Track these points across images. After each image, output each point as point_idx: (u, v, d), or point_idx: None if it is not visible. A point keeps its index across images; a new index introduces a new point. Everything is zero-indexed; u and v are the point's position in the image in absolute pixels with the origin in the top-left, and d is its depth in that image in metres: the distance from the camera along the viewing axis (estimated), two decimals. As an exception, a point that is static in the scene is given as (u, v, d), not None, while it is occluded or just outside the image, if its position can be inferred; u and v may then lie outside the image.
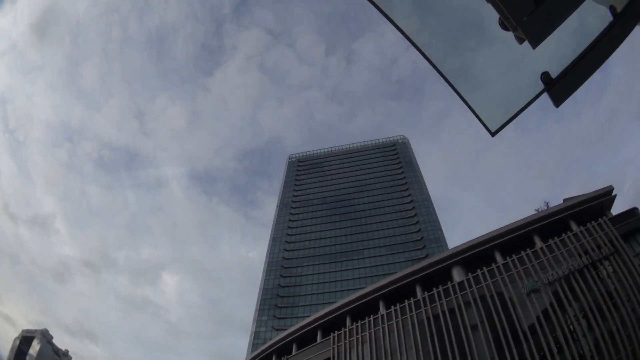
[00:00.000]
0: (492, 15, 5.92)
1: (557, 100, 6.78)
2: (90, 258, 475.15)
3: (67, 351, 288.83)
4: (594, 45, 6.93)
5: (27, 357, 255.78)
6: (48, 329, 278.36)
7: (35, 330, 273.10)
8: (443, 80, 6.27)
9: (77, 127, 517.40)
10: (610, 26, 6.91)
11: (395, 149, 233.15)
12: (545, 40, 6.26)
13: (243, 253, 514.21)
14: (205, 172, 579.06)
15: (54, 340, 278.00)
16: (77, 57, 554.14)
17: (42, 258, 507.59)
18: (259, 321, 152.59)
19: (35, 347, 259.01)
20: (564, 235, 78.04)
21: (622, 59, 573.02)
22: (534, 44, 5.91)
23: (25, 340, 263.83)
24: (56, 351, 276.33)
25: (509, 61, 7.03)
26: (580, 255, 74.25)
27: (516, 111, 6.70)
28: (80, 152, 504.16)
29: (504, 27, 6.04)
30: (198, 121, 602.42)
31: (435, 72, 6.20)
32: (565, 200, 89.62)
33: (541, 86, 6.63)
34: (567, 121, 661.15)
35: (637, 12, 7.33)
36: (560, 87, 6.75)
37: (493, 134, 6.65)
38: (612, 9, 6.81)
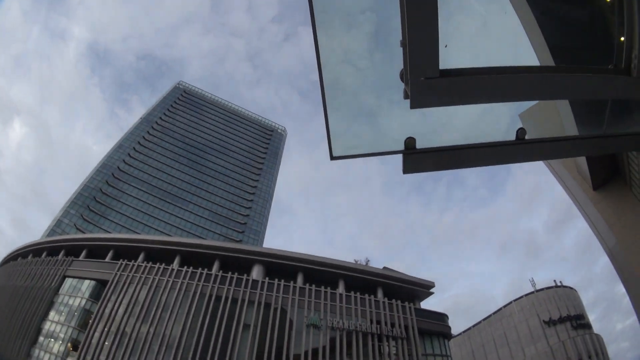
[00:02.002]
0: (398, 62, 5.87)
1: (407, 169, 6.81)
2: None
3: None
4: (477, 147, 7.05)
5: None
6: None
7: None
8: (319, 85, 6.15)
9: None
10: (505, 144, 7.06)
11: (271, 135, 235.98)
12: (433, 111, 6.31)
13: (89, 143, 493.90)
14: (104, 51, 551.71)
15: None
16: None
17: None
18: (66, 212, 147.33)
19: None
20: (367, 296, 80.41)
21: (515, 195, 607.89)
22: (413, 105, 5.91)
23: None
24: None
25: (388, 109, 7.02)
26: (372, 322, 76.80)
27: (365, 153, 6.69)
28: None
29: (402, 78, 6.01)
30: (127, 1, 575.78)
31: (318, 72, 6.07)
32: (384, 268, 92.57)
33: (401, 147, 6.65)
34: (431, 209, 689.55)
35: (546, 151, 7.56)
36: (418, 158, 6.80)
37: (332, 158, 6.62)
38: (520, 131, 6.98)
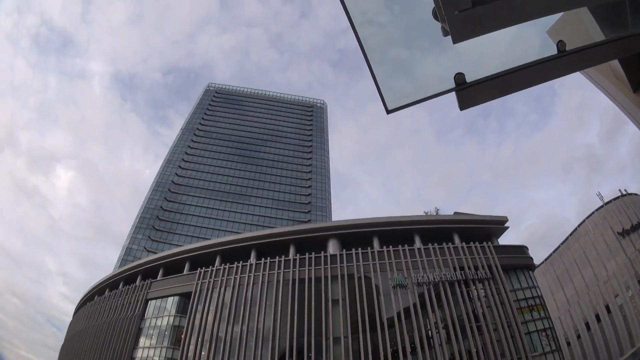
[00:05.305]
0: (429, 2, 5.86)
1: (463, 104, 6.77)
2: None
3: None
4: (523, 68, 6.94)
5: None
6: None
7: None
8: (357, 43, 6.16)
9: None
10: (550, 59, 6.93)
11: (311, 111, 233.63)
12: (473, 43, 6.25)
13: (140, 167, 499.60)
14: (129, 76, 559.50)
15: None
16: None
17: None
18: (133, 238, 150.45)
19: None
20: (444, 244, 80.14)
21: (565, 113, 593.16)
22: (455, 39, 5.86)
23: None
24: None
25: (429, 50, 6.96)
26: (455, 269, 76.43)
27: (418, 99, 6.63)
28: (22, 25, 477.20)
29: (435, 16, 5.99)
30: (138, 22, 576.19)
31: (354, 34, 6.09)
32: (455, 213, 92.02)
33: (452, 85, 6.61)
34: (487, 145, 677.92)
35: (585, 59, 7.42)
36: (471, 92, 6.72)
37: (388, 112, 6.58)
38: (560, 44, 6.82)
